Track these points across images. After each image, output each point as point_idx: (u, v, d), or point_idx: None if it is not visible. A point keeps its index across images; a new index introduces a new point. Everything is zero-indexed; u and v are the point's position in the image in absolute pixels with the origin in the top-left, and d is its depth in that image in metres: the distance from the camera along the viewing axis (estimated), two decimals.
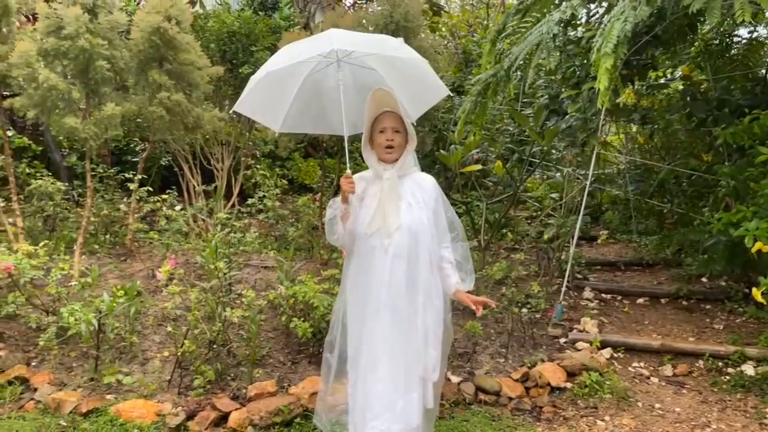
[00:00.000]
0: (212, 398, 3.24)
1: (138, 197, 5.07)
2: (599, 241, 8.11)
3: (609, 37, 3.66)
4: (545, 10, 5.38)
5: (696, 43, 5.92)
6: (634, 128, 8.46)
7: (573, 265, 6.34)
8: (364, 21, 4.33)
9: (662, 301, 5.79)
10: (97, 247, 5.26)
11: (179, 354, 3.36)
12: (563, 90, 5.46)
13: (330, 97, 2.92)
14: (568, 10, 4.48)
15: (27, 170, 6.46)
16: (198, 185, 7.12)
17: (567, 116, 5.23)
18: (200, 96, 5.12)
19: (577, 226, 5.05)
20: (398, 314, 2.55)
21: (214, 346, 3.69)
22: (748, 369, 4.25)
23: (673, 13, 3.90)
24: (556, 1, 5.49)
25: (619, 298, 5.91)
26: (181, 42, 4.75)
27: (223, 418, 3.13)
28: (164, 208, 5.03)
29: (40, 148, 7.45)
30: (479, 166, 5.67)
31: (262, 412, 3.13)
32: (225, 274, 3.85)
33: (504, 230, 8.01)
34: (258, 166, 7.62)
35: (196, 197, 7.08)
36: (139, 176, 5.15)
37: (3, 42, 4.51)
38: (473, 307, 2.67)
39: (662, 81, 6.21)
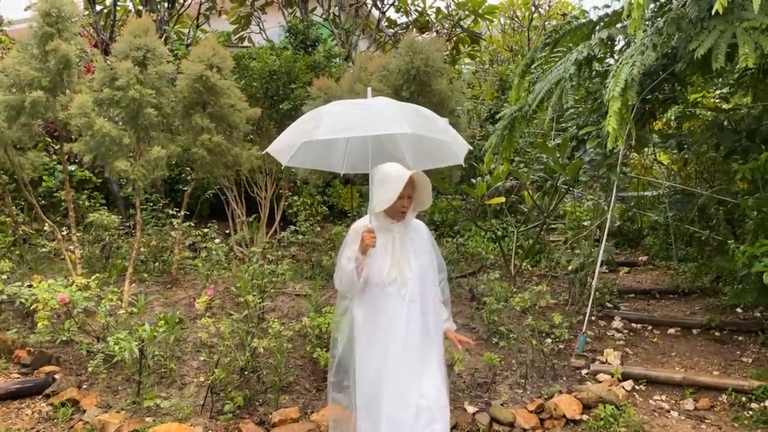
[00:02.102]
0: (240, 423, 3.53)
1: (183, 228, 5.46)
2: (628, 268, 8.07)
3: (617, 81, 3.81)
4: (574, 43, 5.53)
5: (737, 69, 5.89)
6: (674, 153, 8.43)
7: (597, 295, 6.40)
8: (391, 66, 4.60)
9: (694, 331, 5.75)
10: (146, 275, 5.70)
11: (210, 380, 3.66)
12: (588, 123, 5.58)
13: (337, 141, 3.15)
14: (585, 50, 4.63)
15: (87, 202, 7.01)
16: (242, 214, 7.55)
17: (589, 149, 5.35)
18: (240, 136, 5.50)
19: (599, 256, 5.12)
20: (416, 353, 2.83)
21: (245, 373, 3.99)
22: None
23: (683, 56, 4.00)
24: (587, 33, 5.63)
25: (650, 328, 5.90)
26: (222, 87, 5.15)
27: None
28: (206, 240, 5.41)
29: (100, 180, 8.06)
30: (503, 199, 5.79)
31: None
32: (256, 305, 4.15)
33: (538, 257, 8.10)
34: (295, 196, 8.00)
35: (240, 226, 7.51)
36: (184, 211, 5.56)
37: (63, 92, 5.01)
38: (458, 346, 3.11)
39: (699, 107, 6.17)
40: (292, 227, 6.14)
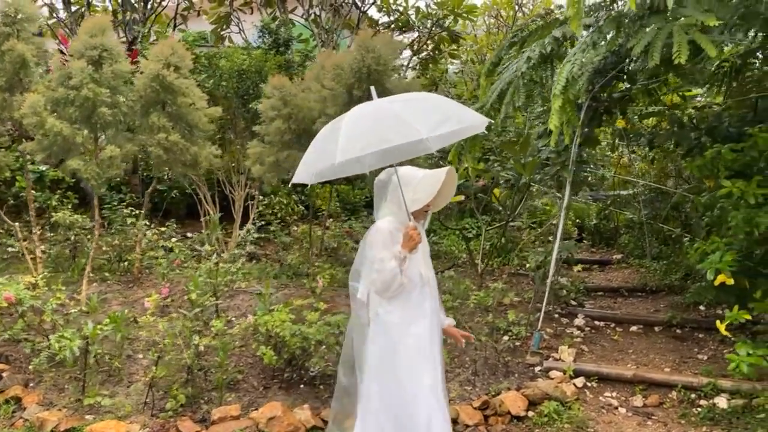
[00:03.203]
0: (178, 420, 3.54)
1: (139, 228, 5.48)
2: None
3: (559, 80, 3.83)
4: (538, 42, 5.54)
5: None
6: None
7: (564, 293, 6.43)
8: (344, 64, 4.61)
9: (656, 329, 5.76)
10: (107, 275, 5.71)
11: (150, 378, 3.67)
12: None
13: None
14: (537, 49, 4.64)
15: (55, 202, 7.01)
16: (214, 213, 7.55)
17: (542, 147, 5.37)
18: (201, 135, 5.51)
19: (554, 254, 5.13)
20: (439, 342, 3.07)
21: (193, 371, 4.00)
22: (721, 402, 4.24)
23: (627, 54, 4.01)
24: (551, 32, 5.64)
25: (612, 325, 5.91)
26: (180, 86, 5.15)
27: None
28: (164, 239, 5.42)
29: (74, 180, 8.05)
30: (461, 197, 5.81)
31: None
32: (204, 303, 4.17)
33: (509, 255, 8.11)
34: (272, 195, 8.02)
35: (212, 225, 7.52)
36: (145, 210, 5.57)
37: (21, 92, 5.02)
38: (461, 341, 3.26)
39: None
40: (251, 226, 6.14)
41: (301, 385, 4.17)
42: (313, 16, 11.64)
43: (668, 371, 4.70)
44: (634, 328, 5.81)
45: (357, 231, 7.48)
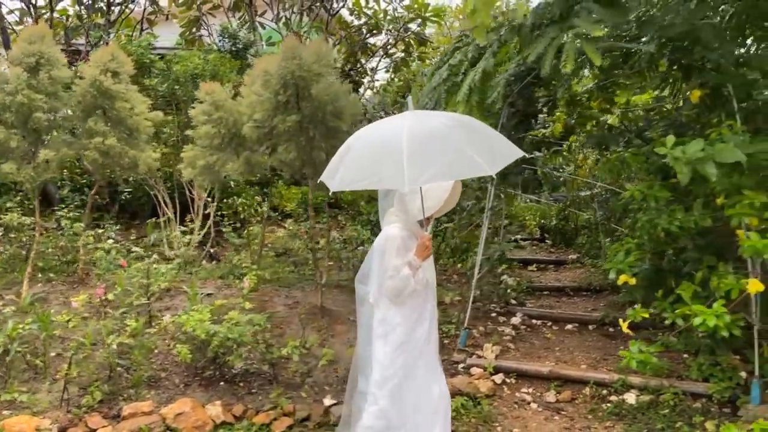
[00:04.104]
0: (87, 416, 3.67)
1: (77, 229, 5.60)
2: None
3: (462, 87, 3.97)
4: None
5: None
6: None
7: (509, 292, 6.57)
8: (272, 70, 4.74)
9: (590, 327, 5.90)
10: (53, 275, 5.84)
11: (65, 376, 3.81)
12: None
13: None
14: (458, 56, 4.79)
15: (10, 204, 7.13)
16: (170, 215, 7.68)
17: None
18: (142, 138, 5.63)
19: (479, 255, 5.27)
20: (435, 346, 3.27)
21: (115, 369, 4.14)
22: (630, 397, 4.38)
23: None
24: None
25: (549, 324, 6.05)
26: (117, 91, 5.28)
27: None
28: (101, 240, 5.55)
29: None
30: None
31: (125, 430, 3.53)
32: (130, 304, 4.30)
33: (464, 255, 8.25)
34: (235, 196, 8.16)
35: (169, 226, 7.65)
36: (89, 211, 5.71)
37: None
38: None
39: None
40: (193, 225, 6.27)
41: (221, 383, 4.31)
42: (284, 19, 11.79)
43: (584, 368, 4.84)
44: (569, 327, 5.95)
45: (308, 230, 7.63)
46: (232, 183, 8.55)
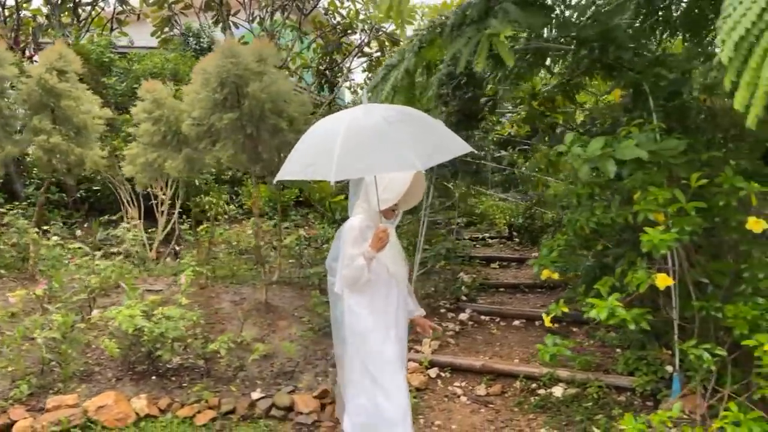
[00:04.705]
0: (11, 408, 3.73)
1: (25, 227, 5.66)
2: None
3: (385, 87, 4.04)
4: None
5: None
6: None
7: (463, 289, 6.65)
8: (209, 69, 4.81)
9: (536, 323, 5.98)
10: (3, 271, 5.89)
11: None
12: None
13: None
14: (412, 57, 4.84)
15: None
16: (133, 213, 7.74)
17: None
18: (91, 136, 5.69)
19: (418, 253, 5.34)
20: (405, 333, 3.34)
21: (46, 363, 4.20)
22: (558, 391, 4.46)
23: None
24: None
25: (497, 320, 6.13)
26: (63, 90, 5.34)
27: (13, 425, 3.61)
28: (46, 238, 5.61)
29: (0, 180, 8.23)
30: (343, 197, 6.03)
31: (45, 422, 3.60)
32: (67, 300, 4.37)
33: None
34: (202, 194, 8.21)
35: (131, 225, 7.71)
36: (39, 209, 5.76)
37: None
38: (428, 331, 3.55)
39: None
40: (133, 222, 6.34)
41: (153, 377, 4.37)
42: (258, 19, 11.86)
43: (516, 362, 4.92)
44: (516, 323, 6.03)
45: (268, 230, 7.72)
46: (196, 181, 8.65)
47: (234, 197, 9.65)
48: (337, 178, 2.68)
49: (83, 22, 10.05)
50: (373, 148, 2.78)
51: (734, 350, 3.59)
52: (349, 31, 12.37)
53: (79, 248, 5.85)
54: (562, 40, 4.08)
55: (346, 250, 3.08)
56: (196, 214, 8.10)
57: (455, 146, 3.04)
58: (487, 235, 10.44)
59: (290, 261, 7.14)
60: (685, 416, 3.99)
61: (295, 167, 2.93)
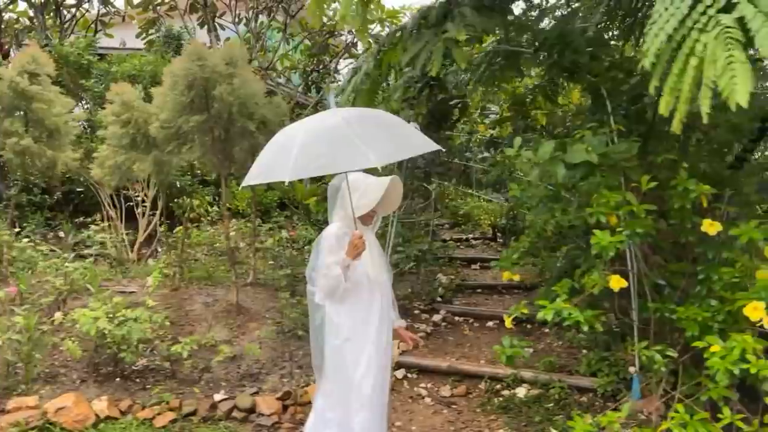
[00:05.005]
0: None
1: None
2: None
3: (347, 90, 4.06)
4: None
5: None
6: None
7: (441, 291, 6.68)
8: (177, 71, 4.83)
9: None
10: None
11: None
12: None
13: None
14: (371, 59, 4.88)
15: None
16: (113, 214, 7.77)
17: None
18: (64, 139, 5.71)
19: (387, 253, 5.36)
20: (389, 344, 3.21)
21: (11, 365, 4.23)
22: (522, 392, 4.50)
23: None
24: None
25: (471, 321, 6.16)
26: (35, 93, 5.36)
27: None
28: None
29: None
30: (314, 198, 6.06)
31: (4, 423, 3.62)
32: (34, 302, 4.39)
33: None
34: (184, 196, 8.24)
35: (113, 226, 7.73)
36: (12, 210, 5.79)
37: None
38: (409, 343, 3.52)
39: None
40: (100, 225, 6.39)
41: (117, 379, 4.39)
42: (245, 20, 11.87)
43: (483, 363, 4.95)
44: (490, 324, 6.06)
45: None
46: (178, 183, 8.68)
47: (217, 198, 9.66)
48: (293, 178, 2.71)
49: (67, 23, 10.05)
50: (330, 147, 2.79)
51: (688, 352, 3.62)
52: (335, 33, 12.40)
53: (53, 250, 5.89)
54: (527, 44, 4.11)
55: (323, 258, 2.99)
56: (180, 215, 8.16)
57: (419, 144, 3.05)
58: (471, 236, 10.46)
59: (270, 263, 7.16)
60: (643, 417, 4.03)
61: (255, 171, 2.93)
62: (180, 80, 4.81)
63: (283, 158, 2.78)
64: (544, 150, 3.34)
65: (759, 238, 3.21)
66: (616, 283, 3.59)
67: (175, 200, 8.00)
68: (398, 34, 4.12)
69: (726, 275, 3.42)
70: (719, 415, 3.09)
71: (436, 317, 6.12)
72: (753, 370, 2.77)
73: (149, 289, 4.74)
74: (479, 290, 7.27)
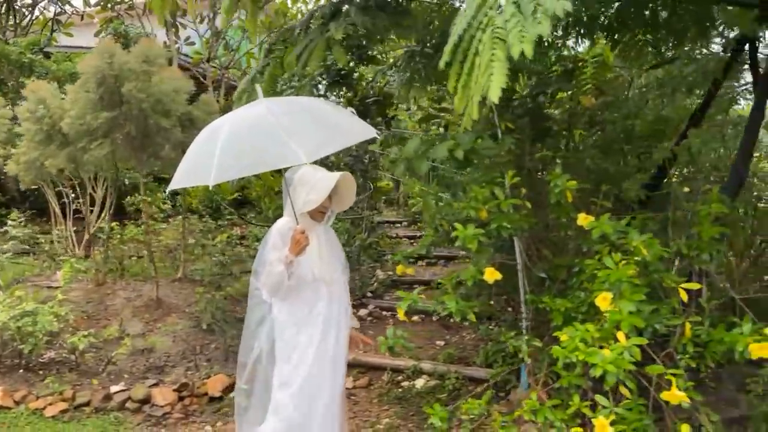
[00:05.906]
0: None
1: None
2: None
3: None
4: None
5: None
6: None
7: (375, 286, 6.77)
8: (87, 69, 4.91)
9: (433, 318, 6.10)
10: None
11: None
12: None
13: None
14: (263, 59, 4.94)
15: None
16: (57, 211, 7.84)
17: None
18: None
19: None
20: (338, 348, 3.02)
21: None
22: (420, 382, 4.59)
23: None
24: None
25: (397, 315, 6.23)
26: None
27: None
28: None
29: None
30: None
31: None
32: None
33: None
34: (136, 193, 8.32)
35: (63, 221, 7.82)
36: None
37: None
38: (360, 345, 3.38)
39: None
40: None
41: (21, 371, 4.48)
42: (208, 20, 11.93)
43: (387, 355, 5.03)
44: (415, 318, 6.15)
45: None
46: (126, 180, 8.74)
47: (175, 196, 9.72)
48: (217, 181, 2.56)
49: (25, 23, 10.11)
50: (255, 144, 2.65)
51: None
52: None
53: None
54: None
55: (267, 255, 2.87)
56: (131, 212, 8.24)
57: (355, 132, 2.95)
58: (424, 233, 10.52)
59: (213, 258, 7.23)
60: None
61: (178, 175, 2.77)
62: (90, 77, 4.89)
63: (206, 158, 2.62)
64: (409, 146, 3.43)
65: (610, 231, 3.31)
66: (491, 275, 3.69)
67: (128, 197, 8.11)
68: (297, 33, 4.20)
69: (589, 267, 3.52)
70: (569, 402, 3.18)
71: (363, 312, 6.22)
72: (581, 357, 2.86)
73: (61, 282, 4.81)
74: (415, 285, 7.29)
